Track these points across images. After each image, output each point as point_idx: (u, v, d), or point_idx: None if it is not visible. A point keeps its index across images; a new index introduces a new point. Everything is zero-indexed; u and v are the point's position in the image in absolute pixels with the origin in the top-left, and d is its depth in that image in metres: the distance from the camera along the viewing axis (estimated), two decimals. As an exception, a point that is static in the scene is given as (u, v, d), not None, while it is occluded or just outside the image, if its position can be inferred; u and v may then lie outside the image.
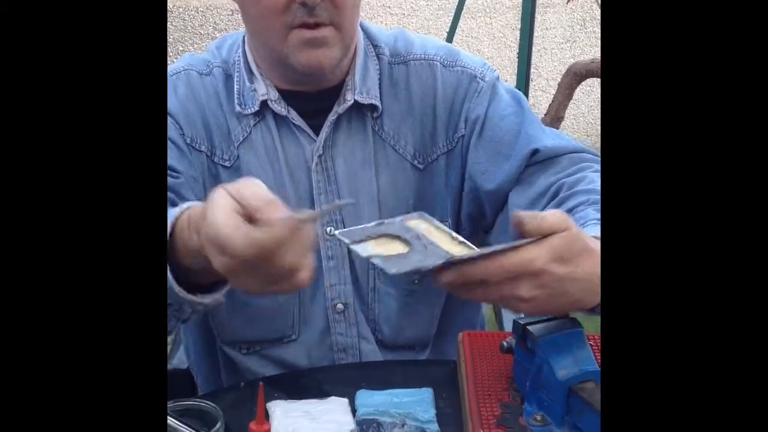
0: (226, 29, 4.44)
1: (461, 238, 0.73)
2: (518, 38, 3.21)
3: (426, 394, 0.89)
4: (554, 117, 3.21)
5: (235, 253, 0.63)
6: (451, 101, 1.04)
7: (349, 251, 0.69)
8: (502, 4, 5.21)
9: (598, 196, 0.89)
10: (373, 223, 0.71)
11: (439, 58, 1.06)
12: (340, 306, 1.05)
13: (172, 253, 0.75)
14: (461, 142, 1.04)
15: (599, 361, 0.82)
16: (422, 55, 1.06)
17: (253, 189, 0.66)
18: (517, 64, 3.19)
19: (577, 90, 3.31)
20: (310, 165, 1.02)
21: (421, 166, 1.05)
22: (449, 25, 3.49)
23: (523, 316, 0.81)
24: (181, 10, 4.31)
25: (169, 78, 1.04)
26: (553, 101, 3.27)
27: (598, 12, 5.16)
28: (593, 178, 0.93)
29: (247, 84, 1.02)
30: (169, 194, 0.96)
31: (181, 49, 4.28)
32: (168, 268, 0.74)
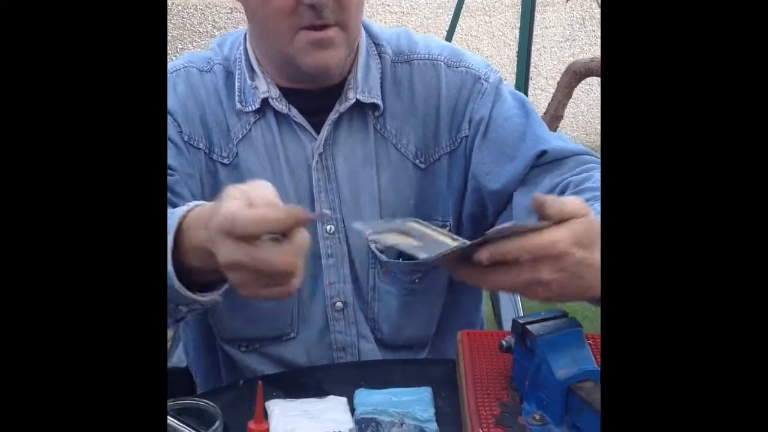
0: (225, 27, 4.44)
1: (462, 239, 0.73)
2: (517, 37, 3.21)
3: (425, 393, 0.88)
4: (553, 116, 3.21)
5: (245, 231, 0.65)
6: (455, 101, 1.04)
7: (369, 241, 0.71)
8: (502, 3, 5.21)
9: None
10: (381, 221, 0.73)
11: (443, 58, 1.06)
12: (339, 304, 1.05)
13: (176, 251, 0.75)
14: (465, 142, 1.04)
15: (598, 360, 0.82)
16: (426, 55, 1.06)
17: (261, 190, 0.69)
18: (516, 62, 3.19)
19: (577, 89, 3.31)
20: (311, 163, 1.02)
21: (423, 166, 1.05)
22: (449, 23, 3.49)
23: (522, 316, 0.82)
24: (180, 7, 4.31)
25: (169, 75, 1.04)
26: (552, 100, 3.27)
27: (597, 10, 5.16)
28: (599, 177, 0.94)
29: (248, 81, 1.02)
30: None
31: (180, 47, 4.28)
32: (171, 265, 0.74)
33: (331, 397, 0.88)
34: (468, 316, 1.17)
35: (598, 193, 0.90)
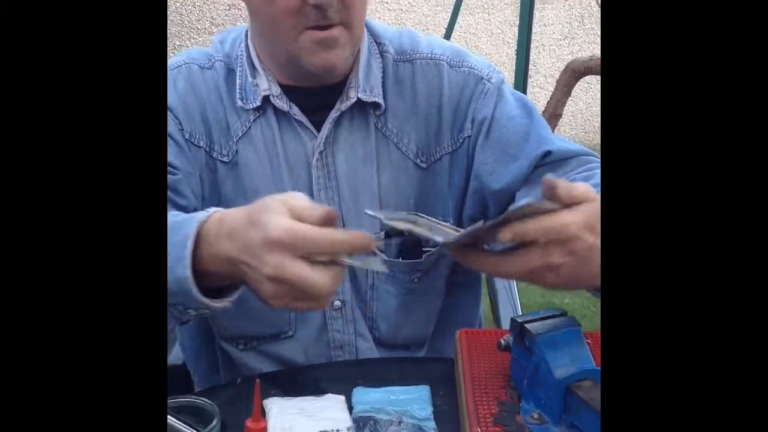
0: (223, 24, 4.43)
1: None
2: (516, 35, 3.21)
3: (423, 391, 0.88)
4: (552, 114, 3.21)
5: (311, 250, 0.69)
6: (457, 101, 1.04)
7: (382, 226, 0.73)
8: (501, 0, 5.21)
9: None
10: (389, 212, 0.75)
11: (445, 58, 1.06)
12: (337, 303, 1.05)
13: (194, 256, 0.76)
14: (467, 142, 1.04)
15: (597, 359, 0.82)
16: (429, 55, 1.06)
17: (300, 202, 0.72)
18: (515, 60, 3.19)
19: (575, 87, 3.31)
20: (311, 161, 1.02)
21: (423, 165, 1.05)
22: (447, 21, 3.49)
23: (520, 314, 0.81)
24: (178, 4, 4.30)
25: (169, 72, 1.04)
26: (551, 98, 3.27)
27: (596, 8, 5.16)
28: None
29: (249, 79, 1.01)
30: (168, 192, 0.96)
31: (178, 43, 4.28)
32: (189, 270, 0.75)
33: (329, 395, 0.88)
34: (466, 315, 1.17)
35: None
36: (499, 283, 1.39)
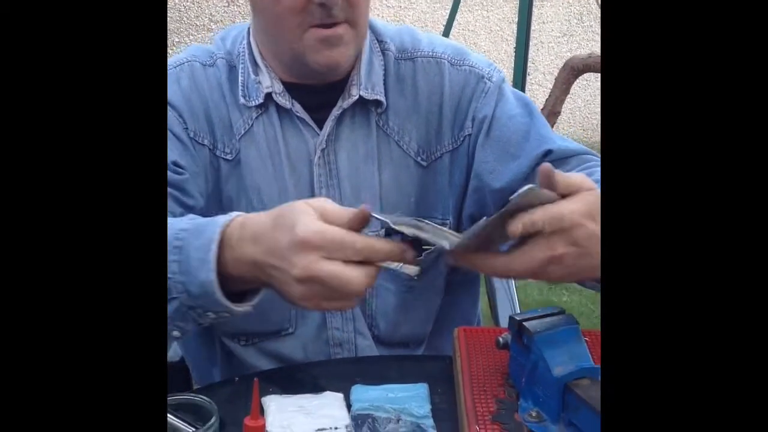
0: (222, 20, 4.43)
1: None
2: (515, 32, 3.21)
3: (421, 389, 0.88)
4: (551, 111, 3.21)
5: (325, 250, 0.69)
6: (458, 100, 1.04)
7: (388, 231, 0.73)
8: (500, -2, 5.20)
9: None
10: (395, 214, 0.75)
11: (447, 56, 1.06)
12: None
13: (217, 261, 0.76)
14: (467, 141, 1.05)
15: (595, 357, 0.82)
16: (430, 53, 1.06)
17: (329, 204, 0.73)
18: (513, 58, 3.19)
19: (574, 84, 3.31)
20: (313, 158, 1.02)
21: (424, 164, 1.05)
22: (446, 18, 3.48)
23: (519, 312, 0.81)
24: (177, 1, 4.30)
25: (172, 70, 1.04)
26: (550, 96, 3.27)
27: (595, 6, 5.16)
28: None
29: (252, 76, 1.01)
30: (175, 192, 0.96)
31: (176, 40, 4.27)
32: (214, 274, 0.76)
33: (328, 393, 0.88)
34: (465, 313, 1.17)
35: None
36: (498, 282, 1.39)
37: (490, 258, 0.73)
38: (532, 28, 3.30)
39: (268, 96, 1.01)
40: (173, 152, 0.98)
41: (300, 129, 1.02)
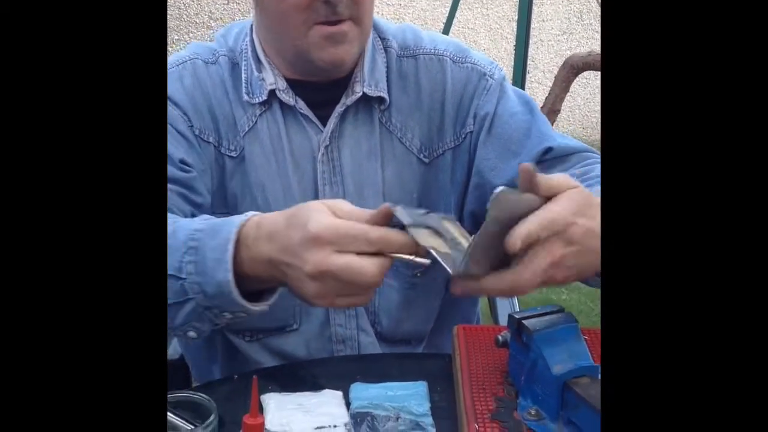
0: (221, 18, 4.43)
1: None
2: (515, 30, 3.21)
3: (420, 387, 0.88)
4: (551, 109, 3.21)
5: (337, 244, 0.69)
6: (460, 97, 1.05)
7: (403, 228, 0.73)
8: (499, -4, 5.20)
9: None
10: (421, 211, 0.74)
11: (449, 53, 1.06)
12: None
13: (234, 261, 0.76)
14: (469, 138, 1.05)
15: (594, 356, 0.82)
16: (432, 50, 1.06)
17: (344, 204, 0.73)
18: (513, 56, 3.19)
19: (574, 82, 3.31)
20: (316, 155, 1.02)
21: (426, 160, 1.05)
22: (446, 16, 3.48)
23: (518, 311, 0.81)
24: (176, -2, 4.29)
25: (175, 68, 1.03)
26: (549, 94, 3.27)
27: (594, 4, 5.16)
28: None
29: (255, 73, 1.01)
30: (182, 190, 0.96)
31: (176, 38, 4.27)
32: (231, 274, 0.76)
33: (327, 390, 0.87)
34: (465, 312, 1.17)
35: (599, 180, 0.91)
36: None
37: (497, 281, 0.72)
38: (532, 26, 3.30)
39: (272, 93, 1.01)
40: (180, 150, 0.98)
41: (303, 126, 1.02)
